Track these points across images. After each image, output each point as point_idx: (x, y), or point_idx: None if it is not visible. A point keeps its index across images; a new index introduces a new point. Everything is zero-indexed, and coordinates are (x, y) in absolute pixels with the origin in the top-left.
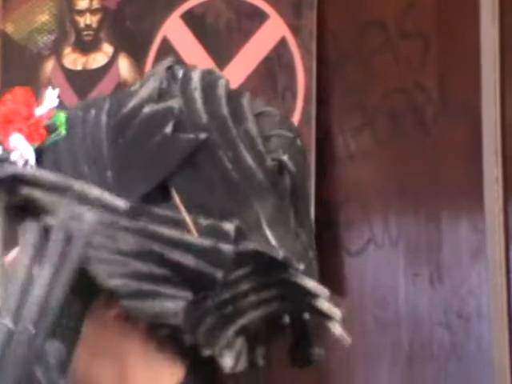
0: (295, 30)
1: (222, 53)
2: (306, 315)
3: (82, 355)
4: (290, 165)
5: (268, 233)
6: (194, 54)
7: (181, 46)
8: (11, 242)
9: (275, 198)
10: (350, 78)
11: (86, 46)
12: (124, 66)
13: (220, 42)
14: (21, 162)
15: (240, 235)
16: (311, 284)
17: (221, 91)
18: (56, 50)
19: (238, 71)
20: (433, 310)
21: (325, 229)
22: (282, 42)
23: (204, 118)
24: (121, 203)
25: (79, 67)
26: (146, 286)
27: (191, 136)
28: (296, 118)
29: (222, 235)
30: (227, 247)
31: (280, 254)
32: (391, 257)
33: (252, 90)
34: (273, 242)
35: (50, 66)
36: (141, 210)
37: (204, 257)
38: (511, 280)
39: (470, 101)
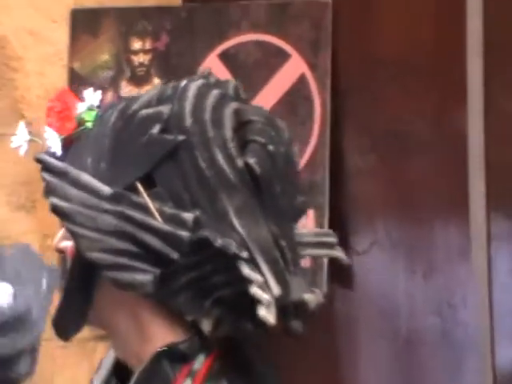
0: (313, 67)
1: (252, 86)
2: None
3: (105, 308)
4: (256, 168)
5: (235, 221)
6: None
7: None
8: None
9: (243, 193)
10: (359, 108)
11: (139, 80)
12: None
13: (250, 77)
14: (49, 151)
15: (197, 224)
16: (246, 271)
17: (209, 101)
18: (114, 84)
19: (265, 102)
20: (427, 301)
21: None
22: (302, 78)
23: (188, 122)
24: (105, 189)
25: None
26: (121, 260)
27: (171, 137)
28: (313, 142)
29: (182, 223)
30: (184, 233)
31: (219, 242)
32: (392, 257)
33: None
34: (239, 229)
35: (109, 96)
36: (121, 197)
37: (165, 240)
38: (492, 276)
39: (458, 127)
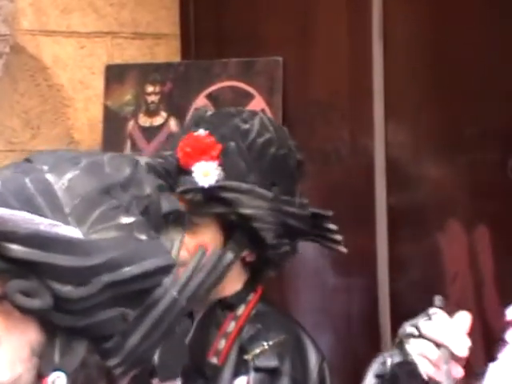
0: (270, 105)
1: None
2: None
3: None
4: (301, 159)
5: (300, 198)
6: None
7: None
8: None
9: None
10: (301, 133)
11: (151, 113)
12: (173, 124)
13: None
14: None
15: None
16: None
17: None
18: (135, 115)
19: None
20: (333, 259)
21: None
22: (262, 112)
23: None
24: (269, 194)
25: (147, 125)
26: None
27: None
28: None
29: (304, 206)
30: (307, 212)
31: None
32: None
33: None
34: (303, 200)
35: (131, 124)
36: (279, 198)
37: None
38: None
39: (366, 147)
